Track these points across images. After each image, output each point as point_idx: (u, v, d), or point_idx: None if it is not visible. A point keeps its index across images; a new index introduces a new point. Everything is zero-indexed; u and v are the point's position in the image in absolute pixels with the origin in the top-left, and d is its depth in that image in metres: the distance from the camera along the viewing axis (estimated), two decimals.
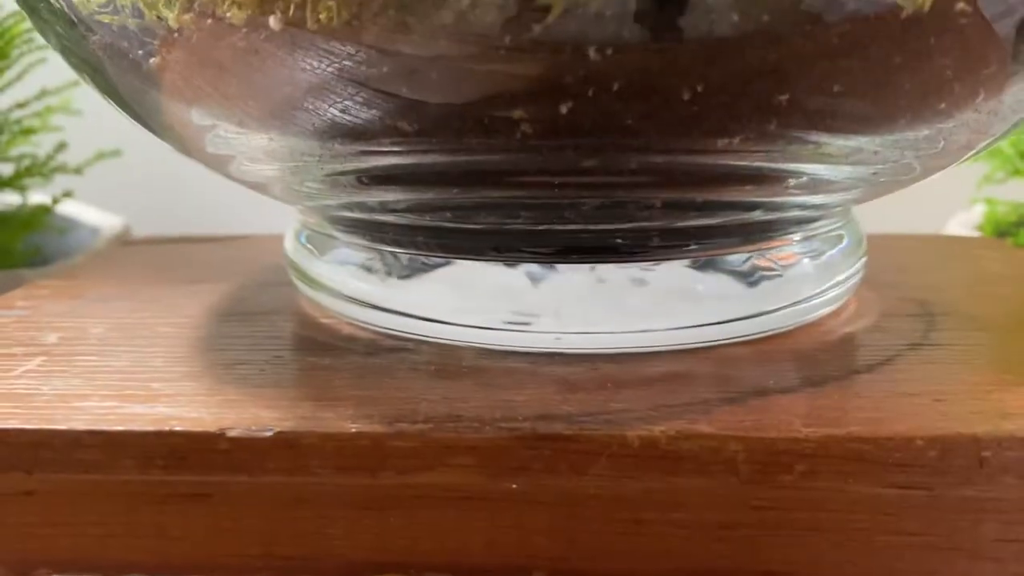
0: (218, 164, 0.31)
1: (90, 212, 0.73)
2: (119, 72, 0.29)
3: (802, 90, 0.23)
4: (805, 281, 0.32)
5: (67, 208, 0.68)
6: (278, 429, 0.24)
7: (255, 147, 0.27)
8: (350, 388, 0.27)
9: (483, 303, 0.30)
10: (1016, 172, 0.70)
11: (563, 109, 0.22)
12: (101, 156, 0.64)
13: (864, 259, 0.36)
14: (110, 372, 0.29)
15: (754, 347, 0.31)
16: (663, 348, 0.30)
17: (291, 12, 0.22)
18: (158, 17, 0.25)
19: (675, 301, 0.30)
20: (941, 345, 0.32)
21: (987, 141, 0.29)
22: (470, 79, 0.22)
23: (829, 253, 0.34)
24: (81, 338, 0.33)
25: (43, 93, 0.63)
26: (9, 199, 0.64)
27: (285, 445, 0.24)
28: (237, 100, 0.26)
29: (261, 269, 0.43)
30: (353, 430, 0.24)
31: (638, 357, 0.30)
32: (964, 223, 0.73)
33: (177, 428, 0.25)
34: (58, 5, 0.28)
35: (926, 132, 0.27)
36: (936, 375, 0.28)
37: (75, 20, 0.28)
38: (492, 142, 0.24)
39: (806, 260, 0.33)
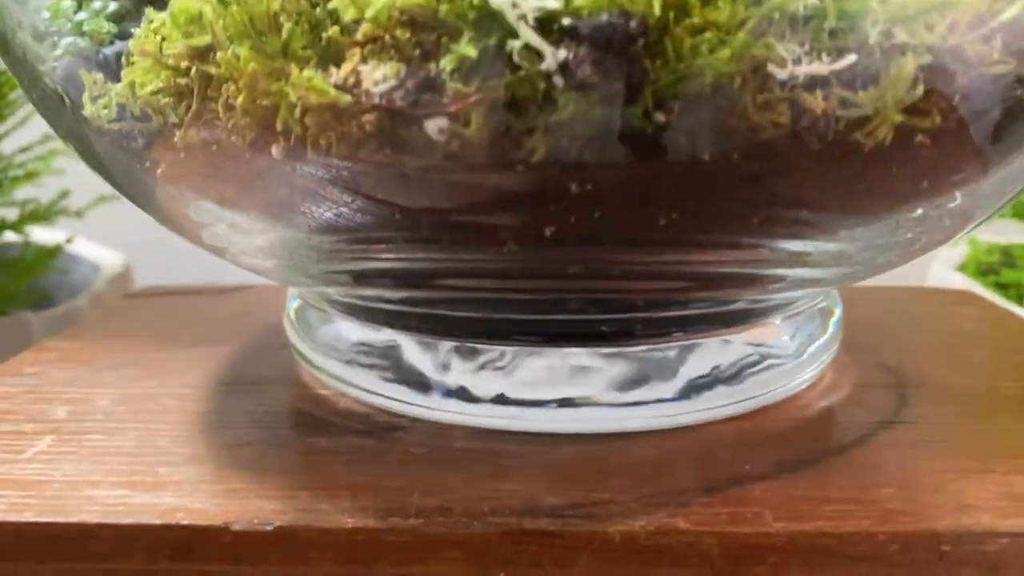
0: (214, 251, 0.32)
1: (91, 247, 0.75)
2: (113, 158, 0.30)
3: (776, 210, 0.24)
4: (785, 359, 0.34)
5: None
6: (278, 523, 0.26)
7: (252, 245, 0.29)
8: (346, 475, 0.29)
9: (473, 385, 0.31)
10: (999, 214, 0.71)
11: (547, 232, 0.23)
12: (102, 199, 0.66)
13: (841, 328, 0.38)
14: (118, 455, 0.30)
15: (734, 424, 0.32)
16: (647, 428, 0.32)
17: (291, 141, 0.23)
18: (164, 122, 0.27)
19: (658, 382, 0.31)
20: (911, 423, 0.33)
21: (971, 226, 0.31)
22: (459, 199, 0.23)
23: (808, 329, 0.36)
24: (89, 412, 0.34)
25: (46, 138, 0.64)
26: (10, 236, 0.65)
27: (285, 539, 0.26)
28: (235, 204, 0.27)
29: (262, 329, 0.44)
30: (349, 525, 0.26)
31: (623, 437, 0.31)
32: (948, 261, 0.74)
33: (183, 521, 0.26)
34: (68, 102, 0.30)
35: (907, 235, 0.28)
36: (903, 460, 0.30)
37: (76, 114, 0.30)
38: (479, 252, 0.25)
39: (786, 338, 0.35)
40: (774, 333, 0.34)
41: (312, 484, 0.28)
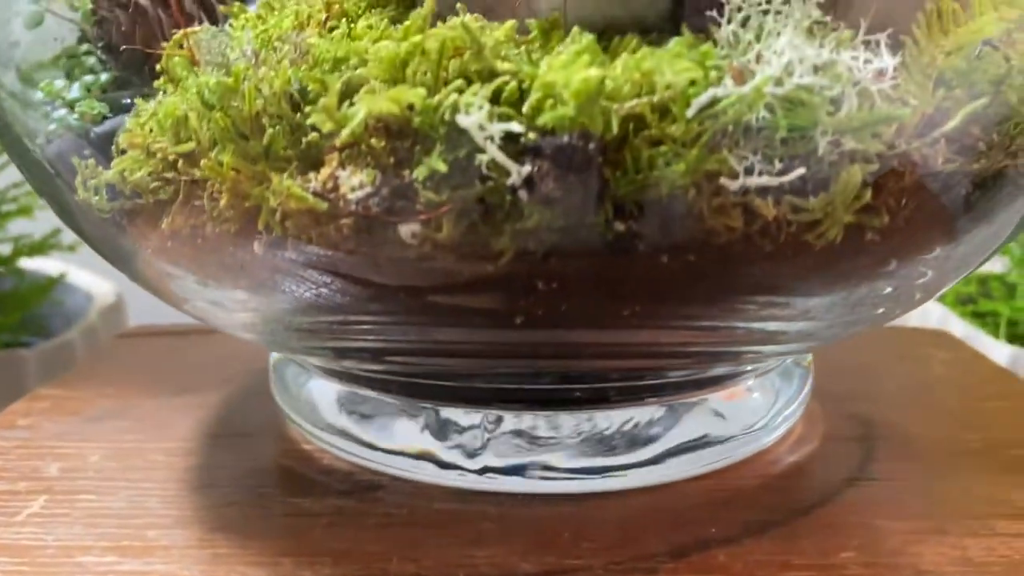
0: (197, 319, 0.33)
1: (83, 276, 0.76)
2: (99, 232, 0.31)
3: (736, 300, 0.25)
4: (756, 417, 0.35)
5: (59, 268, 0.70)
6: None
7: (233, 321, 0.30)
8: (328, 539, 0.30)
9: (450, 448, 0.33)
10: None
11: (517, 319, 0.25)
12: None
13: (811, 379, 0.39)
14: (109, 516, 0.31)
15: (703, 484, 0.34)
16: (620, 488, 0.33)
17: (272, 237, 0.24)
18: (151, 204, 0.28)
19: (631, 446, 0.33)
20: (875, 480, 0.34)
21: (947, 286, 0.32)
22: (431, 293, 0.25)
23: (780, 387, 0.37)
24: (81, 469, 0.35)
25: None
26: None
27: None
28: (218, 285, 0.28)
29: (247, 374, 0.45)
30: None
31: (596, 497, 0.32)
32: None
33: None
34: (59, 181, 0.31)
35: (876, 311, 0.29)
36: (865, 520, 0.31)
37: (66, 193, 0.31)
38: (452, 334, 0.26)
39: (757, 396, 0.36)
40: (746, 394, 0.35)
41: (295, 550, 0.29)
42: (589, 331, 0.26)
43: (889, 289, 0.27)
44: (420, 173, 0.22)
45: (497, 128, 0.20)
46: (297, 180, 0.23)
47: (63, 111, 0.32)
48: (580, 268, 0.23)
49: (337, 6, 0.27)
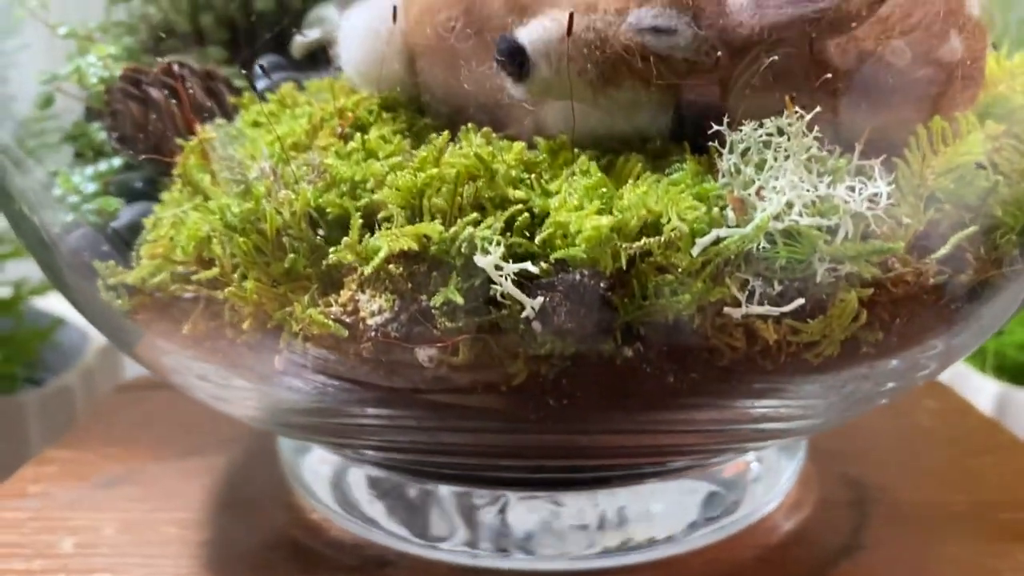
0: (196, 399, 0.34)
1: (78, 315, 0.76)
2: (107, 315, 0.32)
3: (739, 406, 0.26)
4: (755, 489, 0.36)
5: (53, 305, 0.71)
6: None
7: (237, 411, 0.31)
8: None
9: (455, 526, 0.33)
10: None
11: (528, 426, 0.26)
12: None
13: (807, 444, 0.40)
14: None
15: (704, 556, 0.35)
16: (620, 564, 0.34)
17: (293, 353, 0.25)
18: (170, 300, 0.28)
19: (632, 522, 0.34)
20: (867, 548, 0.36)
21: (945, 370, 0.33)
22: (443, 410, 0.26)
23: (779, 458, 0.38)
24: (95, 544, 0.36)
25: None
26: None
27: None
28: (224, 383, 0.29)
29: (250, 435, 0.46)
30: None
31: (598, 574, 0.33)
32: None
33: None
34: (77, 275, 0.32)
35: (878, 400, 0.30)
36: None
37: (85, 282, 0.31)
38: (459, 438, 0.27)
39: (756, 466, 0.37)
40: (746, 468, 0.36)
41: None
42: (596, 436, 0.27)
43: (885, 386, 0.28)
44: (437, 300, 0.23)
45: (512, 268, 0.21)
46: (318, 301, 0.24)
47: (73, 197, 0.33)
48: (590, 386, 0.24)
49: (350, 113, 0.28)
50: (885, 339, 0.25)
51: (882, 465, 0.43)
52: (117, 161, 0.35)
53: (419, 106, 0.29)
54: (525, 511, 0.33)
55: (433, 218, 0.23)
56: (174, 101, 0.33)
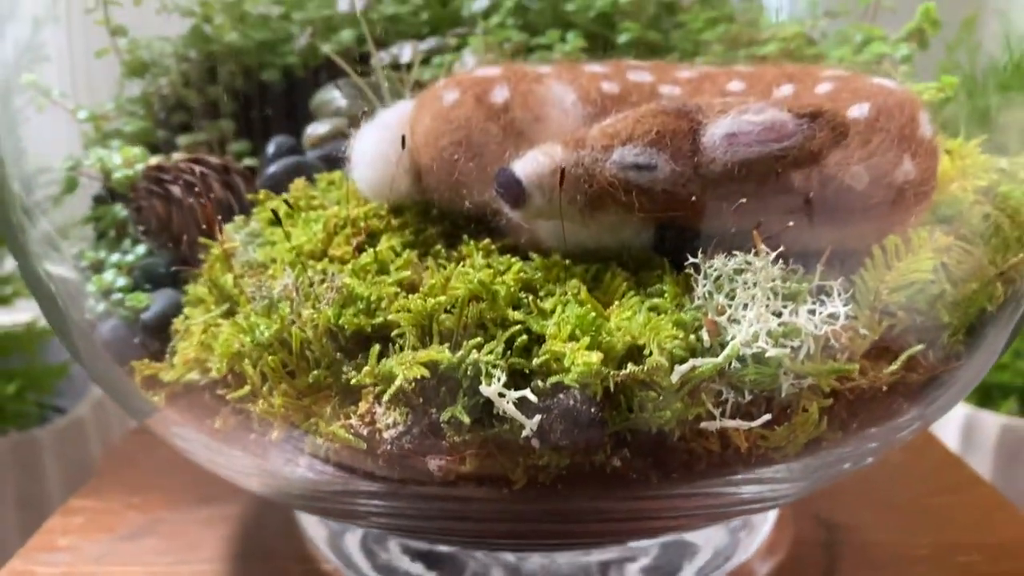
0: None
1: None
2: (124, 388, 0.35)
3: (722, 492, 0.29)
4: (737, 541, 0.39)
5: None
6: None
7: (242, 483, 0.34)
8: None
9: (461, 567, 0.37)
10: None
11: (522, 520, 0.29)
12: None
13: None
14: None
15: None
16: None
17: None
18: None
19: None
20: None
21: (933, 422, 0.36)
22: (448, 510, 0.29)
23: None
24: None
25: None
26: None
27: None
28: (232, 466, 0.32)
29: None
30: None
31: None
32: None
33: None
34: (107, 362, 0.34)
35: (866, 459, 0.33)
36: None
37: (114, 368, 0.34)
38: (460, 524, 0.30)
39: (738, 522, 0.40)
40: (730, 524, 0.40)
41: None
42: (588, 524, 0.30)
43: (844, 465, 0.32)
44: (446, 415, 0.26)
45: (514, 395, 0.24)
46: (339, 413, 0.26)
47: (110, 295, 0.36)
48: (584, 492, 0.27)
49: (363, 223, 0.31)
50: (844, 435, 0.28)
51: (851, 504, 0.46)
52: (141, 248, 0.37)
53: (425, 206, 0.32)
54: (517, 566, 0.36)
55: (442, 338, 0.26)
56: (193, 199, 0.35)
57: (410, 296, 0.26)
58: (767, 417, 0.26)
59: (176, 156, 0.37)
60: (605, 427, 0.25)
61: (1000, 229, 0.32)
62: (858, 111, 0.29)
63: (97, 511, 0.46)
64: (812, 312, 0.26)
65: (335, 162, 0.35)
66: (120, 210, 0.39)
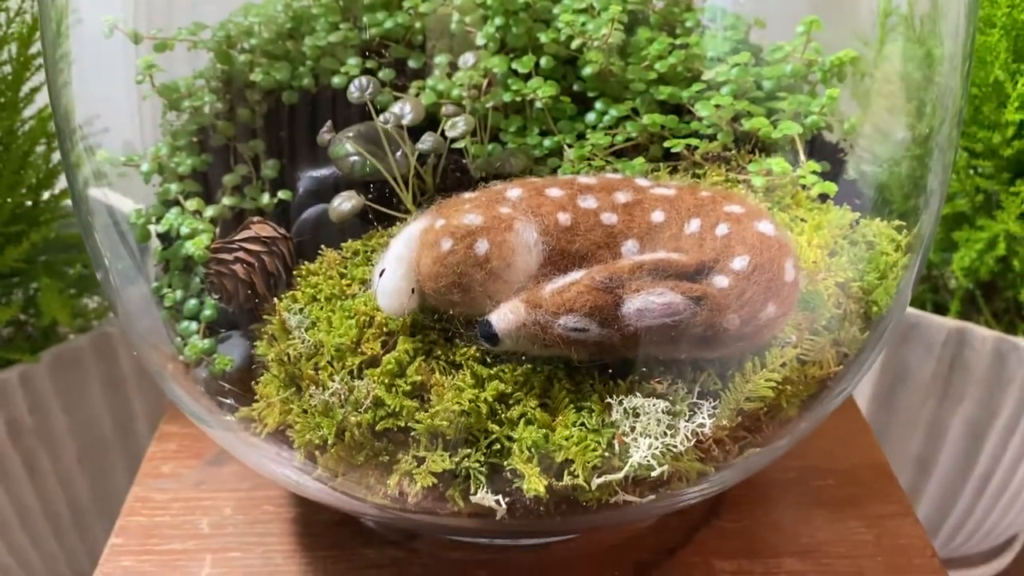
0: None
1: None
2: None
3: None
4: None
5: None
6: None
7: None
8: None
9: None
10: None
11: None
12: None
13: None
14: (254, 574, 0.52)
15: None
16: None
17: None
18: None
19: None
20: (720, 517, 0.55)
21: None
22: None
23: None
24: (222, 525, 0.55)
25: None
26: None
27: None
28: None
29: None
30: None
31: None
32: None
33: None
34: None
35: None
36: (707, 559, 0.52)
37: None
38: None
39: None
40: None
41: None
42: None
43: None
44: (449, 493, 0.40)
45: (491, 498, 0.39)
46: (379, 483, 0.41)
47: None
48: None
49: (385, 327, 0.43)
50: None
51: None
52: (208, 312, 0.49)
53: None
54: None
55: (445, 443, 0.40)
56: (252, 274, 0.47)
57: (420, 404, 0.40)
58: (652, 496, 0.40)
59: (237, 235, 0.48)
60: (550, 506, 0.40)
61: (848, 313, 0.45)
62: (739, 264, 0.41)
63: (184, 437, 0.61)
64: (686, 425, 0.39)
65: None
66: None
